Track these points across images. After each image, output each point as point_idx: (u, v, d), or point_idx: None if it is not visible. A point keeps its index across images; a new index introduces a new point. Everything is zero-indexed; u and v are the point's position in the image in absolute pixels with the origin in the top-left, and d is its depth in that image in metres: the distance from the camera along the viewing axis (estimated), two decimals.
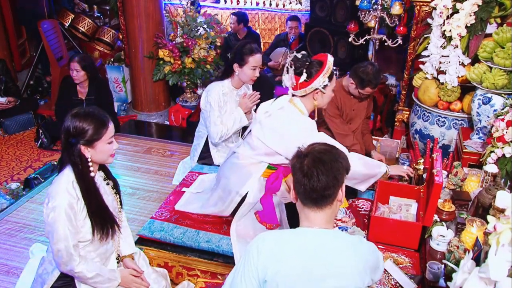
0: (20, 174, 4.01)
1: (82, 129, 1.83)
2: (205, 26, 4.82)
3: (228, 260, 2.39)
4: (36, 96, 5.47)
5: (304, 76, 2.27)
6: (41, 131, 4.44)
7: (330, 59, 2.31)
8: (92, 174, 1.90)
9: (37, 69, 5.66)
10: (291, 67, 2.29)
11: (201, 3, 5.72)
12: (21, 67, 5.72)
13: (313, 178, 1.43)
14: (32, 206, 3.44)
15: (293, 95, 2.39)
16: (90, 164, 1.89)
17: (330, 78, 2.30)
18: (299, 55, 2.29)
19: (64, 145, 1.89)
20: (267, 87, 3.38)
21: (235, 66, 2.95)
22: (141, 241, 2.53)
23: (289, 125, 2.34)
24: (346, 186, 2.78)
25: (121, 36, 5.31)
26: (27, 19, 5.46)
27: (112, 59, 5.46)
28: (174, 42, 4.79)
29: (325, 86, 2.30)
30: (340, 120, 3.21)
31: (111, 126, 1.91)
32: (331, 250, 1.45)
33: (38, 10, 5.30)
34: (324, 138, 2.35)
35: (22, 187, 3.75)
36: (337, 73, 4.35)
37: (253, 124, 2.53)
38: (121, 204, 2.13)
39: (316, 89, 2.30)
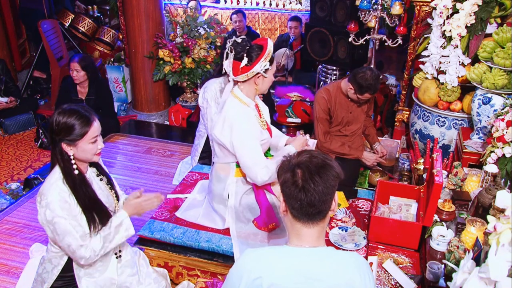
0: (20, 174, 4.01)
1: (64, 126, 1.81)
2: (205, 26, 4.83)
3: (228, 260, 2.38)
4: (36, 96, 5.47)
5: (245, 61, 2.22)
6: (41, 131, 4.44)
7: (270, 43, 2.28)
8: (75, 172, 1.87)
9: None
10: (231, 52, 2.24)
11: (201, 3, 5.73)
12: (21, 67, 5.73)
13: (310, 192, 1.32)
14: (32, 206, 3.44)
15: (234, 85, 2.35)
16: (73, 162, 1.86)
17: (271, 62, 2.28)
18: (238, 40, 2.23)
19: (50, 141, 1.90)
20: None
21: None
22: (141, 241, 2.53)
23: (231, 120, 2.29)
24: (346, 186, 2.80)
25: (121, 36, 5.31)
26: (28, 19, 5.46)
27: (112, 59, 5.46)
28: (174, 42, 4.80)
29: (266, 70, 2.26)
30: (324, 127, 3.19)
31: (96, 125, 1.87)
32: (324, 269, 1.35)
33: (38, 10, 5.30)
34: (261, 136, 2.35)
35: (22, 187, 3.75)
36: (337, 73, 4.35)
37: None
38: (117, 199, 2.10)
39: (258, 73, 2.26)
